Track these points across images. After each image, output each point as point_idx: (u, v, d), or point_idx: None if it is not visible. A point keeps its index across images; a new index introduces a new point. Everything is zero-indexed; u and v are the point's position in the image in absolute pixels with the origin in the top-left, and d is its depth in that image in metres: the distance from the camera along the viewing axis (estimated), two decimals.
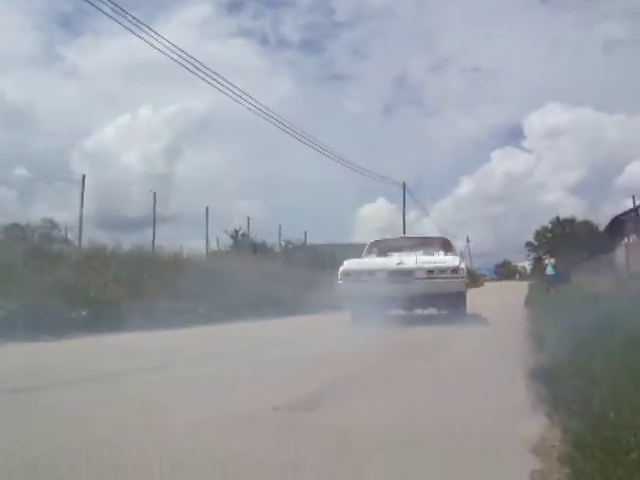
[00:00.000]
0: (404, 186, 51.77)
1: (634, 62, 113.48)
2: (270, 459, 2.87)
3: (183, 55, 23.87)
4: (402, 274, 12.12)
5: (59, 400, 4.64)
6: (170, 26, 75.57)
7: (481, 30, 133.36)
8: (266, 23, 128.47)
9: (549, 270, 32.46)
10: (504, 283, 63.07)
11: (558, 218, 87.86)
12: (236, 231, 31.23)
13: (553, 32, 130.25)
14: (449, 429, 3.47)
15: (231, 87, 28.74)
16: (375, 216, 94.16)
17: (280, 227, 30.59)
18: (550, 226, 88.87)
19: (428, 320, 13.10)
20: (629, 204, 38.87)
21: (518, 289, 37.74)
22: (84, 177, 18.19)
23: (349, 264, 13.02)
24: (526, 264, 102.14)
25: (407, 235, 18.64)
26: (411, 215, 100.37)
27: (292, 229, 42.67)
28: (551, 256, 37.02)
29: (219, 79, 26.09)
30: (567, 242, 66.04)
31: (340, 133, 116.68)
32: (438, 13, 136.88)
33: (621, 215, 40.68)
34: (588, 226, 76.44)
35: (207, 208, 23.89)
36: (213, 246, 26.05)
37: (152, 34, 21.76)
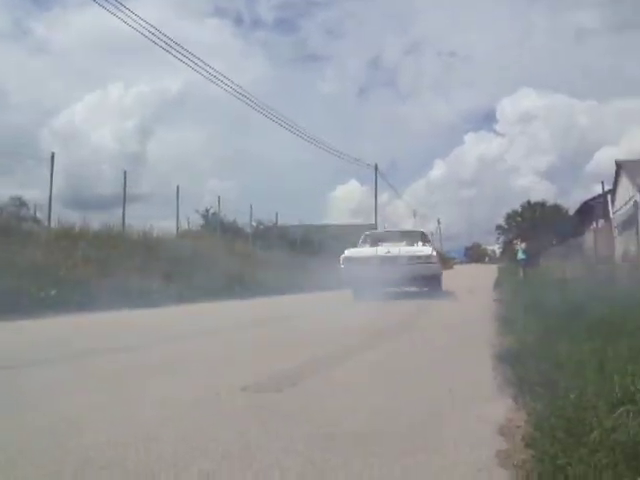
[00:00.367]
0: (376, 168, 52.01)
1: (605, 50, 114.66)
2: (235, 439, 2.88)
3: (157, 33, 23.67)
4: (389, 260, 15.63)
5: (24, 380, 4.61)
6: (145, 3, 74.59)
7: (457, 15, 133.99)
8: (241, 2, 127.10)
9: (520, 254, 32.83)
10: (473, 266, 63.61)
11: (529, 202, 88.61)
12: (207, 210, 31.03)
13: (527, 19, 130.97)
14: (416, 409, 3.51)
15: (205, 67, 28.65)
16: (347, 198, 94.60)
17: (251, 207, 30.43)
18: (521, 210, 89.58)
19: (411, 295, 16.34)
20: (598, 189, 39.43)
21: (487, 272, 38.11)
22: (53, 155, 17.87)
23: (349, 252, 16.75)
24: (496, 247, 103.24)
25: (393, 229, 22.49)
26: (383, 197, 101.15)
27: (265, 209, 42.48)
28: (522, 240, 37.39)
29: (193, 58, 25.92)
30: (537, 226, 66.69)
31: (314, 114, 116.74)
32: None
33: (590, 200, 41.21)
34: (558, 210, 77.14)
35: (178, 187, 23.75)
36: (184, 225, 25.85)
37: (125, 11, 21.49)
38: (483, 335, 7.08)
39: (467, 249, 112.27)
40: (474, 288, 20.06)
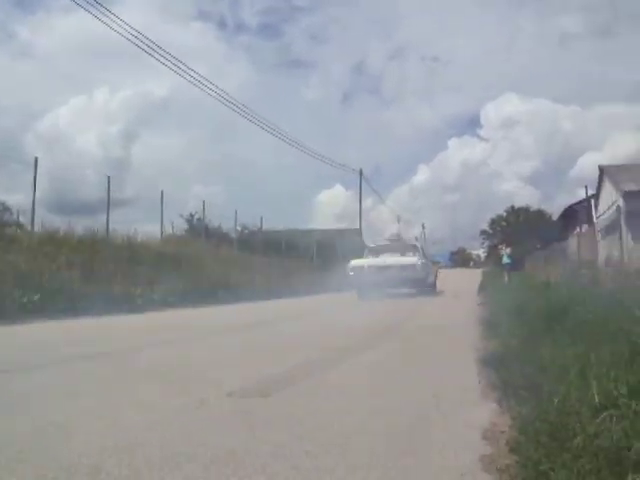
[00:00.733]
0: (360, 173, 52.12)
1: (589, 55, 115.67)
2: (220, 445, 2.87)
3: (141, 37, 23.63)
4: (385, 268, 20.04)
5: (4, 384, 4.58)
6: (129, 7, 74.39)
7: (441, 20, 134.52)
8: (225, 6, 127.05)
9: (505, 259, 33.02)
10: (458, 270, 63.83)
11: (513, 207, 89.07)
12: (191, 215, 30.91)
13: (512, 24, 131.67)
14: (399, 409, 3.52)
15: (189, 71, 28.61)
16: (332, 202, 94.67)
17: (236, 212, 30.35)
18: (505, 214, 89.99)
19: (404, 297, 19.79)
20: (582, 194, 39.70)
21: (472, 276, 38.29)
22: (37, 159, 17.73)
23: (355, 262, 21.54)
24: (480, 252, 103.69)
25: (391, 243, 24.83)
26: (368, 202, 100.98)
27: (250, 214, 42.47)
28: (507, 245, 37.61)
29: (177, 62, 25.92)
30: (521, 231, 67.02)
31: (298, 119, 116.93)
32: (399, 1, 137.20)
33: (574, 205, 41.44)
34: (542, 215, 77.57)
35: (162, 192, 23.61)
36: (168, 230, 25.72)
37: (110, 15, 21.45)
38: (467, 339, 7.11)
39: (452, 254, 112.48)
40: (459, 292, 20.24)
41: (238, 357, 6.28)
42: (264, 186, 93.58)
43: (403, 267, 20.02)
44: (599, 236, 30.86)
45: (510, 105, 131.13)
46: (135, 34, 23.91)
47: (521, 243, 48.87)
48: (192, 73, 31.95)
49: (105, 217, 20.46)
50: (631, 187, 26.38)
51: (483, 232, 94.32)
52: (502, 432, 3.05)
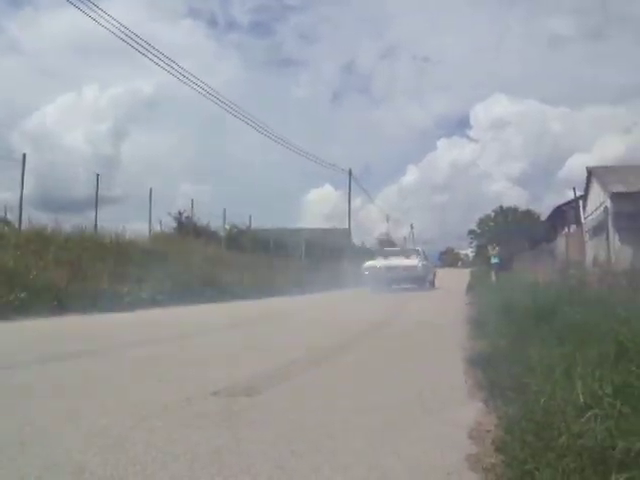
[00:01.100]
0: (350, 173, 52.08)
1: (578, 57, 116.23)
2: (205, 444, 2.87)
3: (130, 34, 23.49)
4: (391, 268, 24.94)
5: None
6: (118, 4, 74.04)
7: (432, 20, 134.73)
8: (215, 4, 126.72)
9: (493, 259, 33.08)
10: (447, 270, 63.98)
11: (501, 207, 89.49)
12: (180, 213, 30.64)
13: (503, 25, 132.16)
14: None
15: (179, 68, 28.46)
16: (322, 202, 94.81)
17: (225, 210, 30.20)
18: (493, 215, 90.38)
19: (407, 290, 24.40)
20: (570, 195, 39.83)
21: (461, 276, 38.48)
22: (24, 156, 17.60)
23: (369, 263, 26.41)
24: (469, 252, 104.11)
25: (397, 248, 33.51)
26: (357, 202, 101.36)
27: (239, 213, 42.34)
28: (496, 245, 37.69)
29: (167, 60, 25.79)
30: (509, 231, 67.19)
31: (288, 118, 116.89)
32: (390, 0, 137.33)
33: (562, 205, 41.58)
34: (530, 216, 77.92)
35: (151, 190, 23.50)
36: (156, 228, 25.59)
37: (98, 11, 21.33)
38: (455, 339, 7.13)
39: (441, 253, 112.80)
40: (450, 289, 20.36)
41: (225, 356, 6.25)
42: (253, 185, 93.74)
43: (407, 268, 24.79)
44: (587, 237, 31.02)
45: (499, 106, 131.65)
46: (123, 30, 23.64)
47: (509, 243, 48.95)
48: (181, 70, 31.65)
49: (93, 215, 20.42)
50: (619, 188, 26.53)
51: (471, 232, 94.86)
52: (488, 431, 3.06)
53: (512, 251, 43.63)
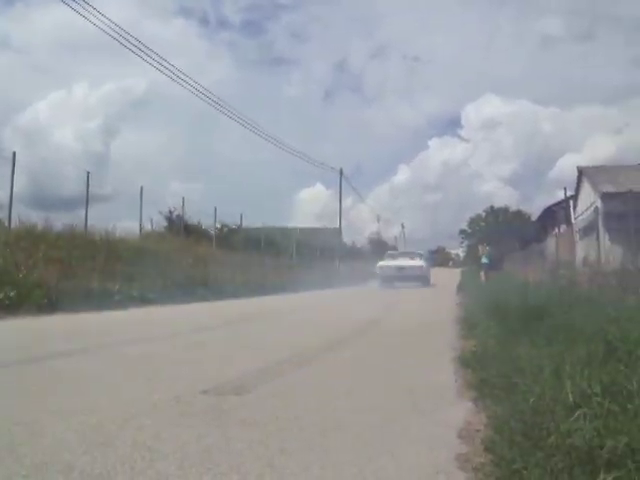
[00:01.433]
0: (341, 172, 52.13)
1: (569, 58, 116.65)
2: (194, 443, 2.86)
3: (121, 32, 23.42)
4: (401, 268, 29.57)
5: None
6: (109, 1, 73.74)
7: (423, 19, 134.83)
8: (207, 3, 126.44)
9: (483, 259, 33.15)
10: (438, 270, 64.15)
11: (492, 207, 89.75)
12: (171, 212, 30.52)
13: (494, 25, 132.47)
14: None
15: (170, 66, 28.42)
16: (313, 201, 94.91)
17: (216, 209, 30.11)
18: (484, 215, 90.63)
19: (410, 286, 28.31)
20: (561, 195, 39.99)
21: (452, 276, 38.68)
22: (14, 154, 17.49)
23: (381, 263, 31.19)
24: (459, 251, 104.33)
25: (404, 251, 38.44)
26: (348, 201, 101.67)
27: (230, 211, 42.34)
28: (486, 245, 37.76)
29: (158, 58, 25.74)
30: (500, 231, 67.38)
31: (279, 117, 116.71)
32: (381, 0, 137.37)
33: (553, 206, 41.75)
34: (521, 216, 78.23)
35: (141, 188, 23.38)
36: (147, 227, 25.52)
37: (90, 9, 21.24)
38: (445, 339, 7.15)
39: (432, 253, 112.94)
40: (440, 290, 20.39)
41: (216, 354, 6.25)
42: (244, 183, 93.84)
43: (412, 268, 29.97)
44: (577, 237, 31.07)
45: (490, 106, 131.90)
46: (114, 28, 23.53)
47: (500, 243, 49.10)
48: (172, 69, 31.56)
49: (84, 213, 20.31)
50: (609, 189, 26.65)
51: (462, 232, 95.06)
52: (477, 431, 3.06)
53: (503, 251, 43.76)
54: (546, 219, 43.31)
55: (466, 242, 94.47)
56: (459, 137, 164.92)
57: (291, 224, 57.71)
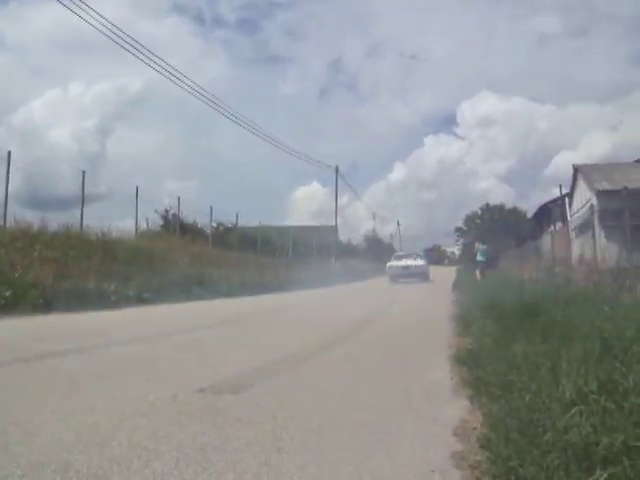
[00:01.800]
0: (336, 170, 52.04)
1: (565, 55, 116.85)
2: (190, 441, 2.86)
3: (115, 30, 23.39)
4: (406, 267, 34.19)
5: None
6: (103, 0, 73.48)
7: (418, 17, 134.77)
8: (201, 0, 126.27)
9: (479, 256, 33.16)
10: (434, 267, 64.25)
11: (488, 204, 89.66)
12: (167, 211, 30.45)
13: (490, 23, 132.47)
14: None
15: (165, 65, 28.38)
16: (309, 199, 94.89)
17: (211, 208, 30.06)
18: (480, 212, 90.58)
19: (413, 282, 30.70)
20: (556, 193, 39.98)
21: (448, 274, 38.80)
22: (9, 153, 17.44)
23: (390, 263, 36.13)
24: (455, 249, 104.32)
25: (406, 252, 41.61)
26: (344, 199, 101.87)
27: (225, 210, 42.29)
28: (482, 243, 37.79)
29: (153, 57, 25.70)
30: (496, 228, 67.38)
31: (275, 115, 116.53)
32: None
33: (548, 203, 41.73)
34: (516, 213, 78.24)
35: (137, 187, 23.33)
36: (143, 226, 25.45)
37: (84, 7, 21.19)
38: (441, 336, 7.15)
39: (427, 250, 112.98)
40: (435, 288, 20.42)
41: (212, 353, 6.24)
42: (240, 182, 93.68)
43: (417, 267, 34.25)
44: (573, 234, 31.09)
45: (486, 103, 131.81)
46: (109, 27, 23.48)
47: (496, 241, 49.12)
48: (168, 67, 31.53)
49: (79, 212, 20.25)
50: (604, 186, 26.64)
51: (458, 229, 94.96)
52: (473, 429, 3.06)
53: (498, 248, 43.76)
54: (542, 216, 43.28)
55: (462, 240, 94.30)
56: (455, 135, 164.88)
57: (287, 222, 57.85)
